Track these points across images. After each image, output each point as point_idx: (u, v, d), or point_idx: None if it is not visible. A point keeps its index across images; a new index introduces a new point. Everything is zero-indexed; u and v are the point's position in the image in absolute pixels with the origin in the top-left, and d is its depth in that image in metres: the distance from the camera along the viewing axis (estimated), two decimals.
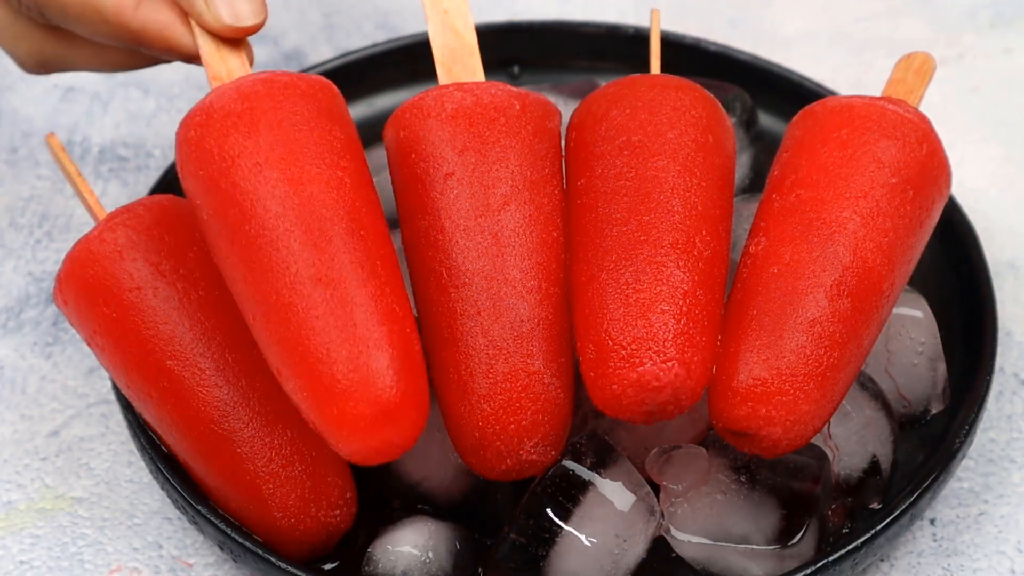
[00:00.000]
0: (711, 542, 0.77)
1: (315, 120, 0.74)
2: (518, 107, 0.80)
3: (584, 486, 0.76)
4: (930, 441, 0.82)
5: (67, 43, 0.83)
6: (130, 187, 0.99)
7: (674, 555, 0.78)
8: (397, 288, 0.72)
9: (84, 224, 0.95)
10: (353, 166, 0.74)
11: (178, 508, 0.79)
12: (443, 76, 0.82)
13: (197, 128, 0.74)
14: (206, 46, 0.78)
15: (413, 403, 0.70)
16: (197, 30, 0.78)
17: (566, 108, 0.89)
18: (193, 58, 0.79)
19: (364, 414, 0.69)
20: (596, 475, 0.76)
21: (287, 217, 0.71)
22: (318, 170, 0.73)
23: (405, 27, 1.07)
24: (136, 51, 0.81)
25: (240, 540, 0.77)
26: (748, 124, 0.92)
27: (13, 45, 0.83)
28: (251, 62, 0.79)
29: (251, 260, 0.72)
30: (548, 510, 0.75)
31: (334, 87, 0.77)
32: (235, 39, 0.78)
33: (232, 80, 0.76)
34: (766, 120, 0.94)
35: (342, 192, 0.73)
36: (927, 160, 0.79)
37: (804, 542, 0.76)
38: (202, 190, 0.73)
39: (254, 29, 0.78)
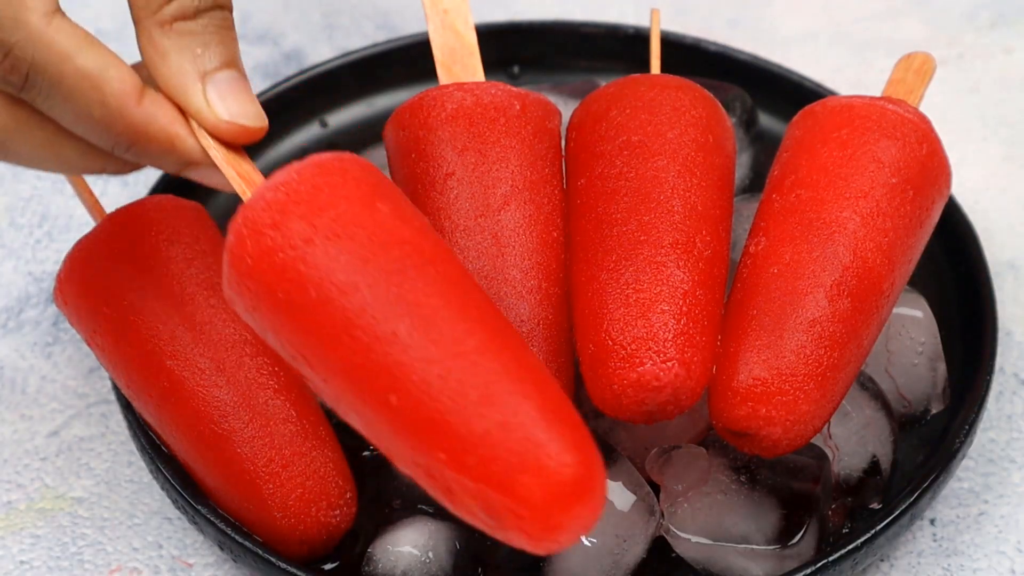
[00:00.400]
0: (711, 542, 0.77)
1: (368, 197, 0.67)
2: (518, 107, 0.80)
3: None
4: (930, 441, 0.82)
5: (20, 123, 0.70)
6: (130, 187, 0.99)
7: (674, 555, 0.78)
8: (523, 348, 0.66)
9: (84, 224, 0.95)
10: (418, 228, 0.68)
11: (178, 508, 0.79)
12: (443, 76, 0.82)
13: (260, 232, 0.66)
14: (217, 149, 0.70)
15: (594, 469, 0.64)
16: (203, 133, 0.70)
17: (566, 108, 0.89)
18: (191, 166, 0.71)
19: (557, 485, 0.62)
20: None
21: (389, 306, 0.65)
22: (402, 231, 0.66)
23: (405, 27, 1.07)
24: (93, 152, 0.70)
25: (240, 540, 0.77)
26: (748, 124, 0.92)
27: None
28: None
29: (365, 361, 0.64)
30: None
31: (366, 163, 0.70)
32: (236, 142, 0.70)
33: (272, 179, 0.67)
34: (766, 120, 0.94)
35: (434, 261, 0.67)
36: (927, 160, 0.79)
37: (804, 542, 0.76)
38: (284, 300, 0.66)
39: (256, 132, 0.70)
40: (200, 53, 0.69)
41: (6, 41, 0.67)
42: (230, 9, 0.71)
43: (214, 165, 0.70)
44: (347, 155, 0.69)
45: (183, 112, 0.70)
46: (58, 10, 0.68)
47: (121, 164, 0.71)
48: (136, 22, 0.70)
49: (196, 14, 0.69)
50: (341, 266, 0.65)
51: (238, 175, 0.70)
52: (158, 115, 0.69)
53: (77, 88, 0.68)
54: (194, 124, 0.70)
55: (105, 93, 0.68)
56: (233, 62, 0.70)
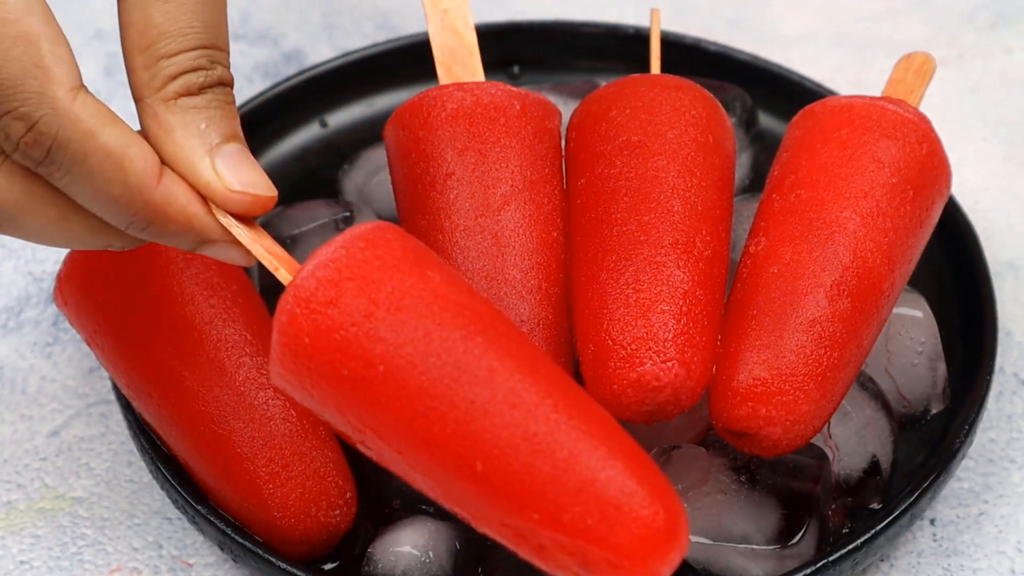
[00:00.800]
0: (711, 542, 0.77)
1: (418, 265, 0.67)
2: (518, 107, 0.80)
3: None
4: (930, 441, 0.82)
5: (34, 199, 0.69)
6: None
7: None
8: (588, 399, 0.67)
9: None
10: (468, 291, 0.68)
11: (178, 508, 0.79)
12: (443, 76, 0.82)
13: (318, 310, 0.66)
14: (239, 227, 0.69)
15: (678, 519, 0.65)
16: (221, 211, 0.69)
17: (566, 108, 0.89)
18: (209, 243, 0.70)
19: (651, 533, 0.64)
20: None
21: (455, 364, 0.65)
22: (453, 313, 0.66)
23: (405, 27, 1.07)
24: (105, 228, 0.70)
25: (240, 540, 0.77)
26: (748, 124, 0.92)
27: None
28: None
29: (445, 430, 0.65)
30: None
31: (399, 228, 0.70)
32: (249, 214, 0.69)
33: (319, 256, 0.67)
34: (766, 120, 0.94)
35: (492, 322, 0.67)
36: (927, 160, 0.79)
37: (804, 542, 0.76)
38: (349, 377, 0.66)
39: (267, 201, 0.69)
40: (204, 128, 0.69)
41: (31, 115, 0.66)
42: (232, 85, 0.70)
43: (230, 242, 0.70)
44: (387, 225, 0.69)
45: (198, 191, 0.69)
46: (82, 86, 0.67)
47: (131, 240, 0.71)
48: (137, 100, 0.70)
49: (200, 90, 0.69)
50: (407, 338, 0.66)
51: (266, 251, 0.69)
52: (177, 194, 0.68)
53: (99, 166, 0.67)
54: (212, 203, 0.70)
55: (127, 172, 0.67)
56: (236, 136, 0.70)
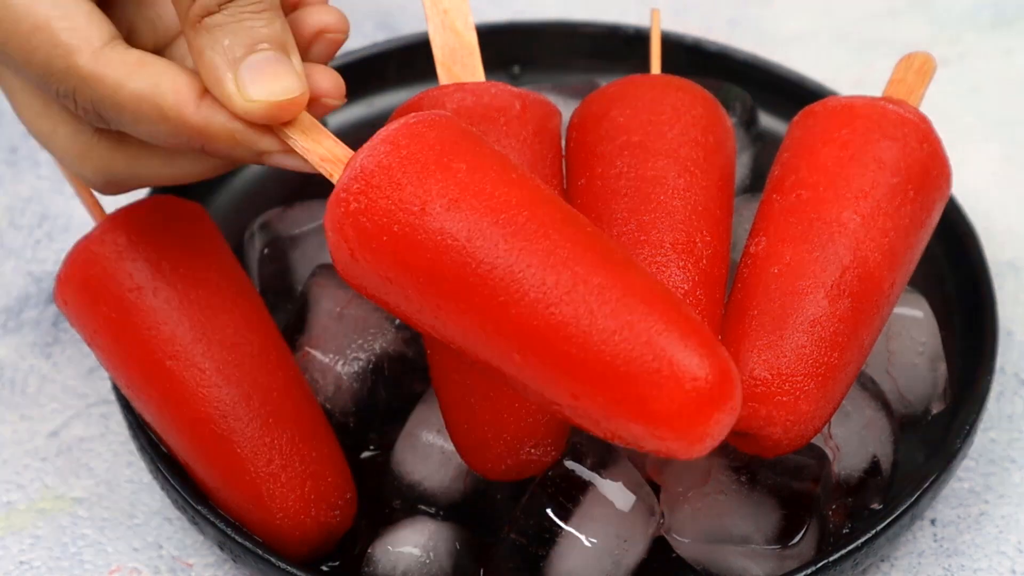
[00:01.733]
0: (711, 542, 0.77)
1: (472, 144, 0.69)
2: (518, 107, 0.80)
3: (584, 486, 0.76)
4: (931, 441, 0.82)
5: (134, 153, 0.74)
6: None
7: (674, 555, 0.78)
8: (634, 264, 0.67)
9: (84, 224, 0.95)
10: (517, 168, 0.69)
11: (178, 508, 0.79)
12: (443, 76, 0.82)
13: (359, 197, 0.67)
14: (293, 133, 0.71)
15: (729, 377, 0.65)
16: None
17: (566, 108, 0.89)
18: (267, 154, 0.72)
19: (695, 395, 0.64)
20: (596, 475, 0.76)
21: (505, 242, 0.66)
22: (509, 185, 0.67)
23: (405, 27, 1.07)
24: (206, 156, 0.74)
25: (240, 540, 0.77)
26: (748, 124, 0.92)
27: (79, 166, 0.75)
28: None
29: (487, 300, 0.65)
30: (548, 510, 0.75)
31: (452, 116, 0.71)
32: (276, 121, 0.70)
33: (339, 153, 0.70)
34: (766, 120, 0.94)
35: (541, 194, 0.68)
36: (928, 160, 0.79)
37: (804, 542, 0.76)
38: (388, 260, 0.67)
39: (292, 104, 0.70)
40: (228, 44, 0.70)
41: (68, 89, 0.71)
42: None
43: (286, 151, 0.71)
44: (432, 118, 0.70)
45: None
46: (109, 41, 0.71)
47: (230, 164, 0.75)
48: (182, 32, 0.73)
49: (220, 6, 0.70)
50: (460, 226, 0.66)
51: (320, 159, 0.70)
52: (214, 115, 0.70)
53: (138, 110, 0.71)
54: None
55: (163, 108, 0.70)
56: (266, 40, 0.70)
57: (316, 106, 0.72)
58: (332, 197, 0.69)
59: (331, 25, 0.74)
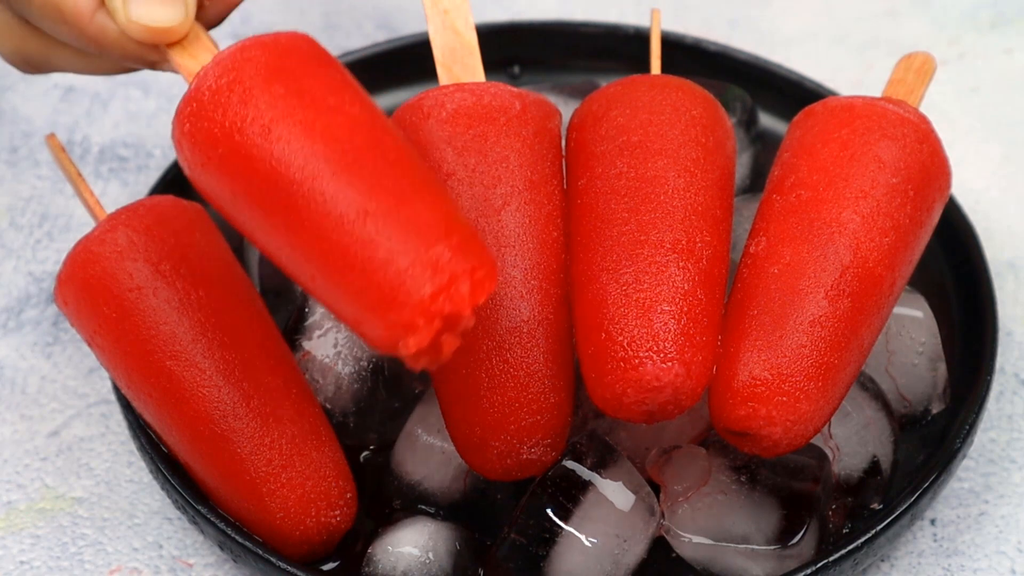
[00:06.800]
0: (711, 542, 0.77)
1: (303, 69, 0.72)
2: (518, 107, 0.80)
3: (584, 486, 0.76)
4: (930, 441, 0.82)
5: (47, 42, 0.81)
6: (130, 187, 0.99)
7: (674, 555, 0.78)
8: (442, 194, 0.70)
9: (84, 224, 0.95)
10: (356, 99, 0.72)
11: (178, 508, 0.79)
12: (443, 76, 0.82)
13: (191, 118, 0.71)
14: (173, 50, 0.76)
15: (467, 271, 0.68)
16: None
17: (566, 108, 0.89)
18: (157, 64, 0.77)
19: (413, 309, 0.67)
20: (596, 475, 0.76)
21: (313, 165, 0.69)
22: (326, 112, 0.70)
23: (405, 27, 1.07)
24: (82, 54, 0.80)
25: (240, 540, 0.77)
26: (748, 124, 0.92)
27: (0, 43, 0.82)
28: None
29: (292, 222, 0.69)
30: (548, 510, 0.76)
31: (308, 36, 0.74)
32: (150, 42, 0.76)
33: (202, 69, 0.73)
34: (766, 120, 0.94)
35: (356, 125, 0.71)
36: (927, 160, 0.79)
37: (804, 542, 0.76)
38: (218, 175, 0.71)
39: (167, 32, 0.75)
40: None
41: None
42: None
43: (174, 64, 0.76)
44: (286, 33, 0.74)
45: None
46: None
47: (106, 64, 0.81)
48: None
49: None
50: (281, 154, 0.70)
51: (188, 75, 0.75)
52: (109, 26, 0.76)
53: (42, 10, 0.77)
54: None
55: (63, 11, 0.76)
56: None
57: (219, 3, 0.78)
58: (175, 115, 0.73)
59: None
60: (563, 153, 0.82)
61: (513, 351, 0.75)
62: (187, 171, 0.72)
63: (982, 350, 0.83)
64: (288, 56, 0.72)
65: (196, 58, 0.76)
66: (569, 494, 0.76)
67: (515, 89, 0.81)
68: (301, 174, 0.69)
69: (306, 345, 0.82)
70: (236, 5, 0.80)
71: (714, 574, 0.77)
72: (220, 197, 0.71)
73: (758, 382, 0.73)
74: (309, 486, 0.77)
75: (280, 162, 0.69)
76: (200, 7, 0.78)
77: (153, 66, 0.78)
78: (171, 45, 0.76)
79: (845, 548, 0.76)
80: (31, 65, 0.82)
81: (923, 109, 0.82)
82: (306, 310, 0.83)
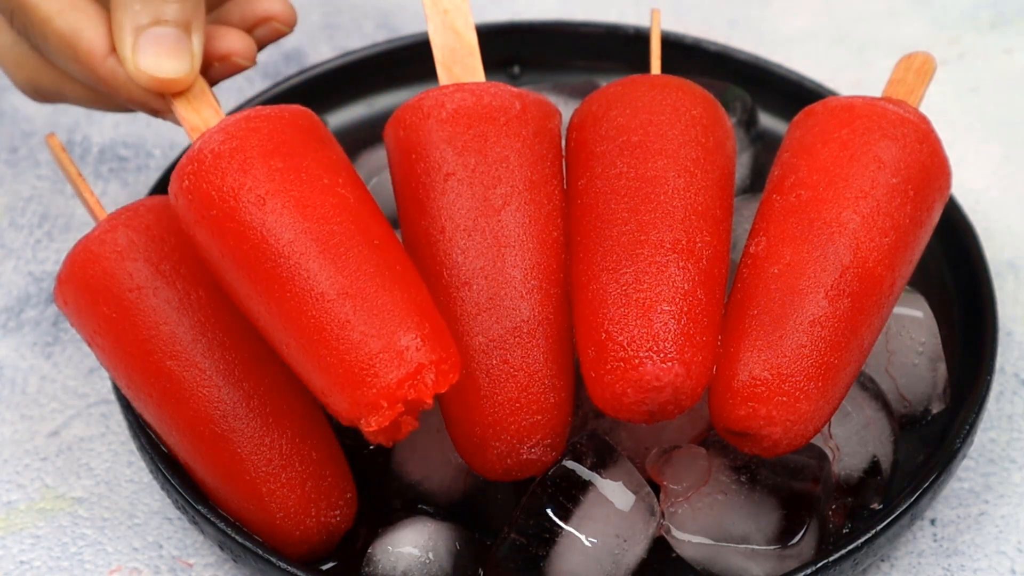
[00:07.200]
0: (711, 542, 0.77)
1: (303, 146, 0.75)
2: (518, 107, 0.80)
3: (584, 486, 0.76)
4: (930, 441, 0.82)
5: (60, 75, 0.83)
6: (130, 187, 0.99)
7: (674, 555, 0.78)
8: (418, 285, 0.73)
9: (84, 224, 0.95)
10: (349, 181, 0.75)
11: (178, 508, 0.79)
12: (443, 76, 0.82)
13: (191, 177, 0.74)
14: (178, 101, 0.79)
15: (433, 363, 0.71)
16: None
17: (566, 108, 0.89)
18: (160, 113, 0.80)
19: (381, 390, 0.70)
20: (596, 475, 0.76)
21: (301, 241, 0.72)
22: (319, 191, 0.74)
23: (405, 27, 1.07)
24: (93, 91, 0.82)
25: (240, 540, 0.77)
26: (748, 124, 0.92)
27: (12, 71, 0.85)
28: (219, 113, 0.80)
29: (274, 291, 0.72)
30: (548, 510, 0.75)
31: (312, 113, 0.78)
32: (157, 91, 0.78)
33: (213, 124, 0.77)
34: (766, 120, 0.94)
35: (346, 208, 0.74)
36: (927, 160, 0.79)
37: (804, 542, 0.76)
38: (209, 235, 0.74)
39: (173, 83, 0.78)
40: (138, 9, 0.78)
41: (8, 8, 0.81)
42: None
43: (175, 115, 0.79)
44: (291, 107, 0.77)
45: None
46: None
47: (113, 104, 0.83)
48: None
49: None
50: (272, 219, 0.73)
51: (191, 128, 0.78)
52: (119, 72, 0.79)
53: (58, 47, 0.79)
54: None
55: (77, 52, 0.79)
56: (165, 19, 0.78)
57: (227, 65, 0.81)
58: (175, 170, 0.75)
59: (278, 15, 0.83)
60: (563, 153, 0.82)
61: (513, 351, 0.75)
62: (181, 222, 0.75)
63: (982, 350, 0.83)
64: (290, 131, 0.76)
65: (199, 113, 0.79)
66: (569, 494, 0.76)
67: (515, 89, 0.81)
68: (289, 248, 0.72)
69: None
70: (242, 70, 0.82)
71: (714, 574, 0.77)
72: (209, 253, 0.75)
73: (758, 382, 0.73)
74: (309, 486, 0.77)
75: (270, 233, 0.73)
76: (208, 65, 0.80)
77: (157, 114, 0.80)
78: (176, 96, 0.79)
79: (845, 548, 0.76)
80: (42, 95, 0.85)
81: (923, 109, 0.82)
82: None
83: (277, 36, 0.84)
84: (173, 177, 0.75)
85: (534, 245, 0.77)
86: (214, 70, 0.81)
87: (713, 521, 0.77)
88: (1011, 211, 0.97)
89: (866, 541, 0.76)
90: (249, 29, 0.83)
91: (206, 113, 0.78)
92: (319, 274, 0.72)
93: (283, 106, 0.77)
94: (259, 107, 0.77)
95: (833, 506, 0.79)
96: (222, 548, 0.78)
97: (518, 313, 0.76)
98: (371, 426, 0.70)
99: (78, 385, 0.89)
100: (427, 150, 0.79)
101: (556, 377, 0.76)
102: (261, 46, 0.83)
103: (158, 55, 0.78)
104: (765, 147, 0.92)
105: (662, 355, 0.72)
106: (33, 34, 0.80)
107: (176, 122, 0.80)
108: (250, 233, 0.73)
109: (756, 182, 0.92)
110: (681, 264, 0.75)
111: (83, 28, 0.79)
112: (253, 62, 0.82)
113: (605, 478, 0.76)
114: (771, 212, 0.78)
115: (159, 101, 0.79)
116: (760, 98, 0.94)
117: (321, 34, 1.08)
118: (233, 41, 0.81)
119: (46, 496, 0.84)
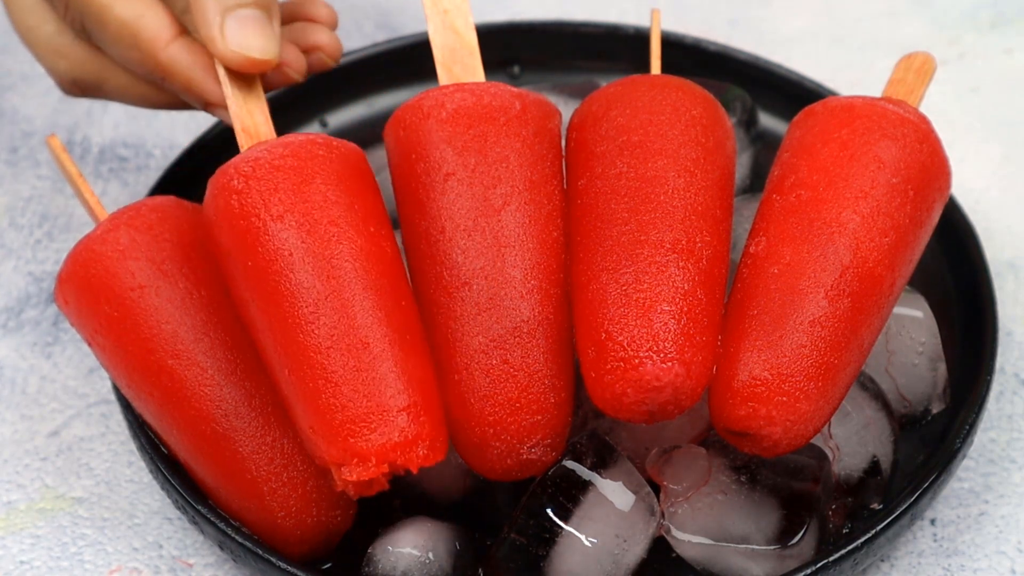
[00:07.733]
0: (711, 542, 0.77)
1: (357, 185, 0.76)
2: (518, 107, 0.80)
3: (584, 486, 0.76)
4: (930, 441, 0.82)
5: (104, 66, 0.84)
6: (130, 187, 0.99)
7: (674, 555, 0.78)
8: (416, 344, 0.74)
9: (84, 224, 0.95)
10: (389, 234, 0.76)
11: (178, 508, 0.79)
12: (443, 76, 0.82)
13: (242, 178, 0.75)
14: (234, 97, 0.80)
15: (427, 436, 0.72)
16: (224, 79, 0.80)
17: (566, 108, 0.89)
18: (212, 106, 0.81)
19: (374, 446, 0.71)
20: (596, 475, 0.76)
21: (309, 275, 0.73)
22: (353, 235, 0.74)
23: (405, 27, 1.07)
24: (165, 90, 0.83)
25: (240, 540, 0.77)
26: (748, 124, 0.92)
27: (53, 61, 0.85)
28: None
29: (277, 312, 0.73)
30: (548, 510, 0.76)
31: (361, 152, 0.78)
32: (244, 71, 0.79)
33: (266, 141, 0.77)
34: (766, 120, 0.94)
35: (383, 259, 0.75)
36: (927, 160, 0.79)
37: (804, 542, 0.76)
38: (230, 245, 0.75)
39: (261, 64, 0.79)
40: None
41: None
42: None
43: (227, 108, 0.80)
44: (342, 143, 0.78)
45: (211, 59, 0.80)
46: None
47: (175, 100, 0.84)
48: None
49: None
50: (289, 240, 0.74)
51: (242, 127, 0.79)
52: (180, 58, 0.80)
53: (118, 34, 0.81)
54: (220, 71, 0.80)
55: (139, 38, 0.80)
56: (248, 2, 0.79)
57: (279, 73, 0.82)
58: (216, 177, 0.76)
59: (326, 47, 0.84)
60: (563, 153, 0.82)
61: (513, 351, 0.75)
62: (207, 222, 0.76)
63: (982, 350, 0.83)
64: (349, 169, 0.76)
65: (252, 115, 0.80)
66: (569, 494, 0.76)
67: (515, 89, 0.81)
68: (307, 291, 0.73)
69: None
70: (292, 83, 0.83)
71: (714, 574, 0.77)
72: (227, 264, 0.75)
73: (758, 382, 0.73)
74: (309, 486, 0.77)
75: (290, 267, 0.73)
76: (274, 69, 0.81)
77: (207, 106, 0.81)
78: (238, 88, 0.80)
79: (845, 548, 0.76)
80: (79, 87, 0.85)
81: (923, 109, 0.82)
82: None
83: (321, 68, 0.85)
84: (216, 179, 0.75)
85: (534, 245, 0.77)
86: (265, 79, 0.82)
87: (713, 521, 0.77)
88: (1011, 211, 0.97)
89: (866, 541, 0.76)
90: None
91: (258, 117, 0.80)
92: (331, 321, 0.72)
93: (343, 140, 0.78)
94: (322, 134, 0.78)
95: (833, 506, 0.79)
96: (222, 548, 0.78)
97: (518, 313, 0.76)
98: (351, 475, 0.71)
99: (78, 385, 0.89)
100: (427, 150, 0.79)
101: (556, 377, 0.76)
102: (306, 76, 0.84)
103: (246, 35, 0.79)
104: (765, 147, 0.92)
105: (662, 355, 0.72)
106: (91, 22, 0.81)
107: (225, 118, 0.80)
108: (272, 260, 0.74)
109: (756, 182, 0.92)
110: (681, 264, 0.75)
111: (144, 15, 0.80)
112: (304, 77, 0.83)
113: (605, 478, 0.76)
114: (771, 212, 0.78)
115: (216, 91, 0.80)
116: (760, 98, 0.94)
117: None
118: (288, 52, 0.82)
119: (46, 496, 0.85)
